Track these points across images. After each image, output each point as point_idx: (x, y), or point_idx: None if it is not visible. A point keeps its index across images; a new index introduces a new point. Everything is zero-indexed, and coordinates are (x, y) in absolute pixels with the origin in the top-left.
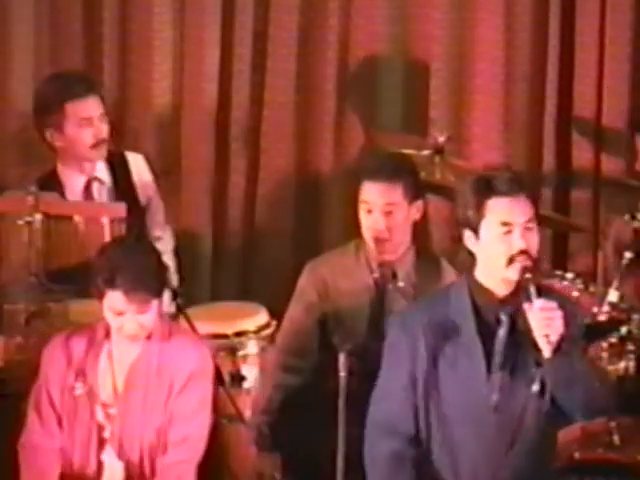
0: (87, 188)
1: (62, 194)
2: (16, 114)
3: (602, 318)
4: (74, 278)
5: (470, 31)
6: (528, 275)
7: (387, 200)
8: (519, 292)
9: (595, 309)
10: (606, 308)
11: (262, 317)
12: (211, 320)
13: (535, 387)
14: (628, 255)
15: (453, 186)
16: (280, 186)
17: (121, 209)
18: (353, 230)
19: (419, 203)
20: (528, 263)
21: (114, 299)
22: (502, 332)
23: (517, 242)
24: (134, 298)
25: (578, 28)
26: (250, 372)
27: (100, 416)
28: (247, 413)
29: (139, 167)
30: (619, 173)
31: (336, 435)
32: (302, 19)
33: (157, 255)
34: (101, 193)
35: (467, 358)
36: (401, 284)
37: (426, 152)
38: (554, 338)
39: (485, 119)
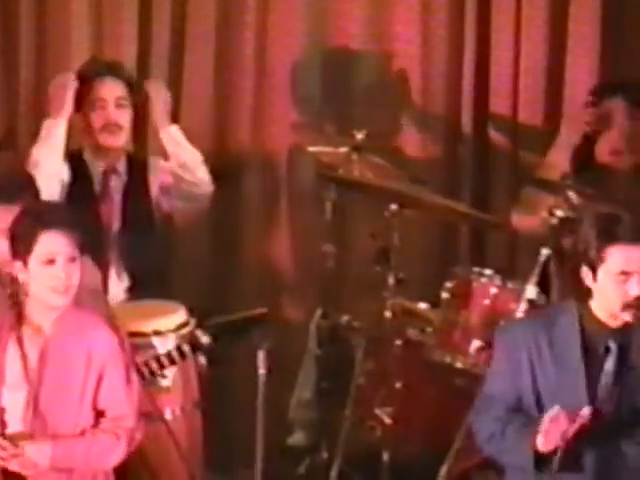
0: (105, 176)
1: (87, 174)
2: None
3: (520, 314)
4: None
5: (387, 28)
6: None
7: None
8: (633, 325)
9: (513, 305)
10: (524, 305)
11: (181, 315)
12: (130, 318)
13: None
14: (545, 252)
15: (371, 183)
16: None
17: None
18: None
19: None
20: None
21: (48, 241)
22: (610, 362)
23: (634, 289)
24: (68, 239)
25: (494, 25)
26: (169, 371)
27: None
28: (166, 412)
29: (157, 170)
30: (536, 168)
31: None
32: (219, 15)
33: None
34: (117, 185)
35: (570, 387)
36: None
37: (344, 149)
38: None
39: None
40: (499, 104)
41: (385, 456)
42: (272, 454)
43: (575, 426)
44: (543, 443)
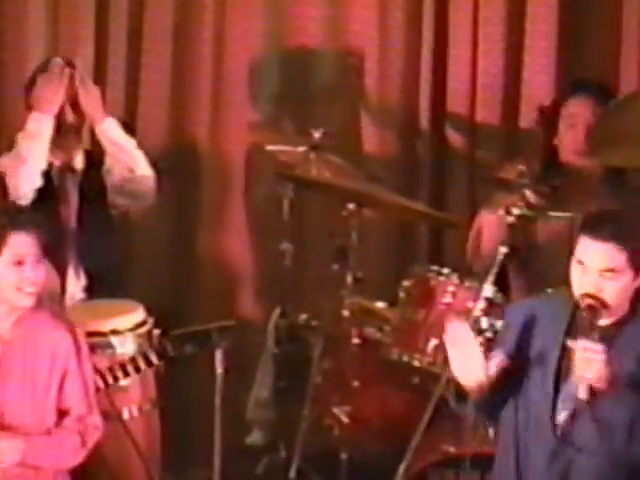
0: (62, 174)
1: (47, 173)
2: None
3: (477, 313)
4: None
5: (344, 27)
6: (585, 314)
7: None
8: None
9: (470, 304)
10: (482, 303)
11: (139, 314)
12: (87, 318)
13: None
14: (503, 250)
15: (329, 182)
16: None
17: None
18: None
19: None
20: (594, 304)
21: (17, 242)
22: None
23: (587, 283)
24: (35, 240)
25: (451, 24)
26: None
27: None
28: (124, 411)
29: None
30: (493, 168)
31: None
32: (177, 15)
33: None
34: (73, 183)
35: (542, 365)
36: None
37: (302, 148)
38: (590, 381)
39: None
40: (456, 103)
41: (343, 455)
42: (230, 454)
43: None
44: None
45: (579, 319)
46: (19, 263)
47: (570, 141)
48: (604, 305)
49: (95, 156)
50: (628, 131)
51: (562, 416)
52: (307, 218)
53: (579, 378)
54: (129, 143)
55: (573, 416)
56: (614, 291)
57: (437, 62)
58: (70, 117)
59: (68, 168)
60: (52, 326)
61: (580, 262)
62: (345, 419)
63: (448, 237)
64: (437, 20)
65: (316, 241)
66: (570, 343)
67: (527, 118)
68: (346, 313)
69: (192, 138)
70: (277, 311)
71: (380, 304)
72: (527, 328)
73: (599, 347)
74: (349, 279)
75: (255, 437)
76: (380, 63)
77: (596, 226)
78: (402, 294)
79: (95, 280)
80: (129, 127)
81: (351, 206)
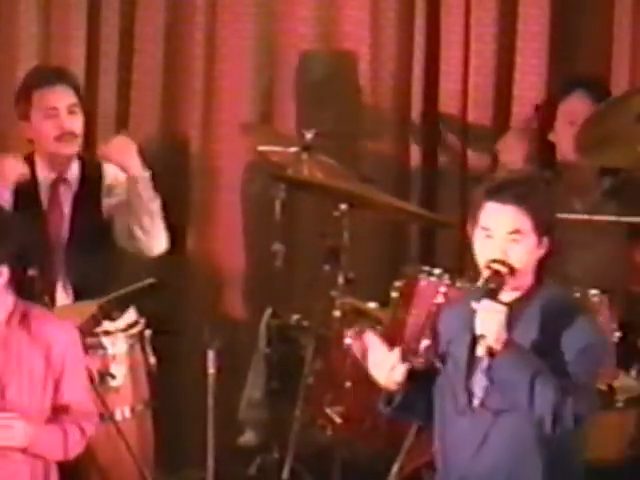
0: (54, 186)
1: (35, 185)
2: None
3: None
4: None
5: (336, 28)
6: (492, 279)
7: None
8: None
9: None
10: None
11: (130, 315)
12: (79, 318)
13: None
14: None
15: (321, 183)
16: None
17: None
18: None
19: None
20: (500, 270)
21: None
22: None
23: (493, 249)
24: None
25: (443, 25)
26: (119, 371)
27: None
28: (116, 412)
29: (112, 179)
30: (485, 168)
31: None
32: (168, 16)
33: (20, 223)
34: (66, 195)
35: (459, 348)
36: None
37: (293, 149)
38: (490, 341)
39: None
40: (448, 104)
41: (336, 455)
42: (223, 454)
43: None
44: None
45: (483, 285)
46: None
47: (569, 138)
48: (511, 269)
49: (91, 166)
50: (619, 132)
51: (477, 389)
52: (299, 219)
53: (479, 337)
54: (154, 208)
55: (471, 373)
56: (521, 254)
57: (429, 63)
58: (68, 125)
59: (62, 180)
60: (46, 320)
61: (485, 228)
62: (338, 419)
63: (440, 238)
64: (429, 21)
65: (308, 242)
66: (473, 304)
67: (519, 119)
68: (338, 313)
69: (184, 138)
70: (269, 311)
71: (372, 304)
72: (450, 325)
73: (499, 306)
74: (341, 279)
75: (248, 437)
76: (372, 64)
77: (500, 191)
78: (394, 294)
79: (82, 295)
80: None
81: (343, 207)
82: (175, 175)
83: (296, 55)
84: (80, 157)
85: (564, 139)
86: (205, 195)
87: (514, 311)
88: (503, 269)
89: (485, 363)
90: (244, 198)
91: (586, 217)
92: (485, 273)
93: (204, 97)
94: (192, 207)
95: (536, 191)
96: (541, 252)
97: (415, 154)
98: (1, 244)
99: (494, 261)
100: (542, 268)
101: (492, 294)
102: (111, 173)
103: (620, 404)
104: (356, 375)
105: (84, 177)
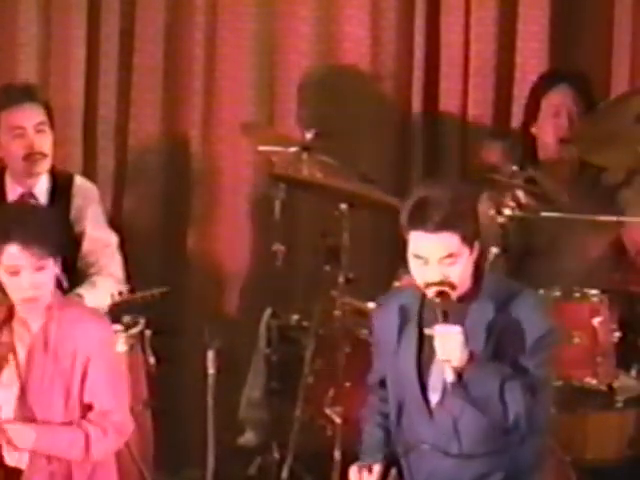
0: (22, 197)
1: (4, 199)
2: None
3: None
4: None
5: (336, 28)
6: (437, 300)
7: None
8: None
9: None
10: None
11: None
12: None
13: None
14: (494, 250)
15: (321, 183)
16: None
17: None
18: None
19: None
20: (443, 289)
21: (10, 253)
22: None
23: (430, 274)
24: (29, 251)
25: (443, 25)
26: None
27: None
28: None
29: (85, 196)
30: (485, 168)
31: None
32: (168, 16)
33: (55, 216)
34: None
35: (407, 348)
36: None
37: (293, 149)
38: (455, 363)
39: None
40: (449, 103)
41: (336, 455)
42: (223, 454)
43: None
44: None
45: (430, 306)
46: (15, 273)
47: (552, 130)
48: (452, 287)
49: (61, 178)
50: (619, 132)
51: (435, 397)
52: (299, 218)
53: (443, 362)
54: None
55: (444, 398)
56: (458, 273)
57: (429, 62)
58: (37, 145)
59: (29, 194)
60: (77, 319)
61: (417, 256)
62: (337, 419)
63: None
64: (429, 21)
65: (308, 241)
66: (427, 331)
67: (519, 118)
68: (338, 314)
69: (184, 139)
70: (268, 311)
71: (372, 304)
72: (385, 329)
73: (456, 329)
74: (341, 279)
75: (248, 437)
76: (372, 63)
77: (423, 218)
78: None
79: None
80: None
81: (343, 206)
82: (175, 175)
83: (296, 55)
84: (51, 171)
85: (547, 132)
86: (205, 195)
87: (461, 317)
88: (446, 289)
89: (445, 384)
90: (244, 198)
91: (575, 216)
92: (430, 294)
93: (204, 97)
94: (192, 207)
95: (457, 205)
96: (475, 256)
97: (416, 153)
98: (48, 238)
99: (434, 284)
100: (478, 268)
101: (444, 316)
102: (77, 198)
103: (620, 404)
104: (356, 375)
105: (54, 190)
